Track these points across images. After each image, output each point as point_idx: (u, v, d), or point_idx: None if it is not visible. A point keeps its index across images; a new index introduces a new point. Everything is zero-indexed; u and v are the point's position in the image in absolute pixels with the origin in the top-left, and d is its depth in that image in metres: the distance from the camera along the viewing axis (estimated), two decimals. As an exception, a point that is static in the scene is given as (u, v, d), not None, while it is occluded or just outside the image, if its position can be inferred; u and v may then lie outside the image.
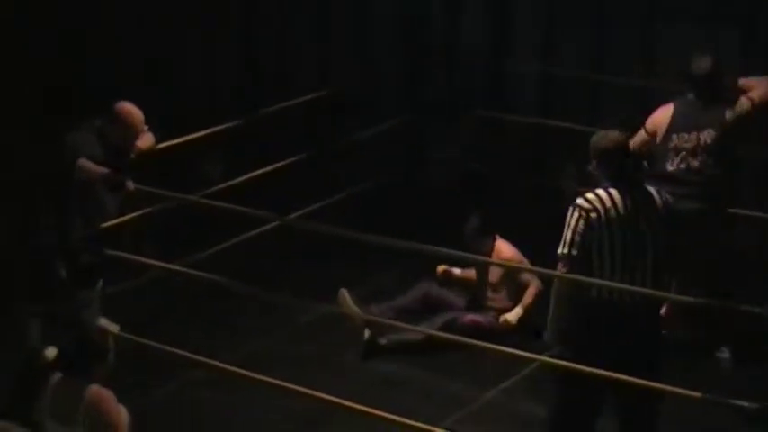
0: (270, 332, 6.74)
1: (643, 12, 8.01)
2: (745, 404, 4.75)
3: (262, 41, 9.39)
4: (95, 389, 4.55)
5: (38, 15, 8.68)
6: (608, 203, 4.82)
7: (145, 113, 6.16)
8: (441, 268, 6.92)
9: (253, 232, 6.92)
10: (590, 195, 4.86)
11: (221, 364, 5.65)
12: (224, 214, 6.03)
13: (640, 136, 6.24)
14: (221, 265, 6.41)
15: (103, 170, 6.01)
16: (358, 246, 6.22)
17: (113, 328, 5.81)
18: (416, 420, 5.41)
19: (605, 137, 4.95)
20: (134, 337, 5.76)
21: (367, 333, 6.46)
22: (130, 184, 6.15)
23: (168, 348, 5.86)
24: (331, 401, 5.49)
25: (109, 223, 6.10)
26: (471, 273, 6.93)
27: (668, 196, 5.02)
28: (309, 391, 5.48)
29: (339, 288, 6.64)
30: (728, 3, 7.66)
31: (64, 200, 6.12)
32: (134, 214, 6.25)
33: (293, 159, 7.38)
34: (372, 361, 6.47)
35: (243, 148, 8.19)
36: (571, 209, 4.86)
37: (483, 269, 6.79)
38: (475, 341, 5.54)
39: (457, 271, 6.98)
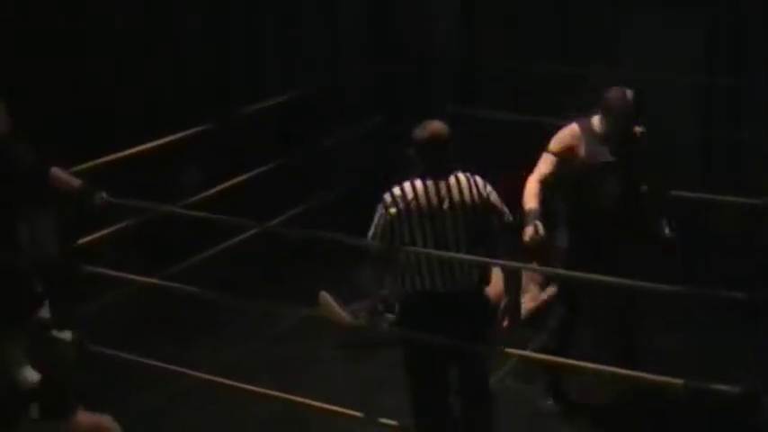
0: (252, 338, 6.74)
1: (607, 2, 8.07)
2: (726, 388, 4.81)
3: (232, 44, 9.37)
4: (90, 417, 4.33)
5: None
6: (410, 196, 4.88)
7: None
8: None
9: (232, 240, 6.92)
10: (395, 190, 4.93)
11: (202, 375, 5.65)
12: (202, 222, 6.02)
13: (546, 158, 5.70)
14: (202, 275, 6.43)
15: (77, 181, 5.98)
16: (338, 249, 6.25)
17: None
18: (401, 421, 5.46)
19: (425, 127, 4.97)
20: (114, 352, 5.76)
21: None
22: (103, 196, 6.12)
23: (148, 361, 5.86)
24: (313, 405, 5.52)
25: (88, 238, 6.10)
26: None
27: (480, 179, 4.99)
28: (291, 397, 5.50)
29: (320, 291, 6.66)
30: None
31: (33, 210, 6.08)
32: (112, 228, 6.24)
33: (266, 167, 7.37)
34: (355, 363, 6.48)
35: (215, 152, 8.18)
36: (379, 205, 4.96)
37: None
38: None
39: None
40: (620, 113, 5.52)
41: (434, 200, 4.87)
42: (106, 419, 4.31)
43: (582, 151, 5.59)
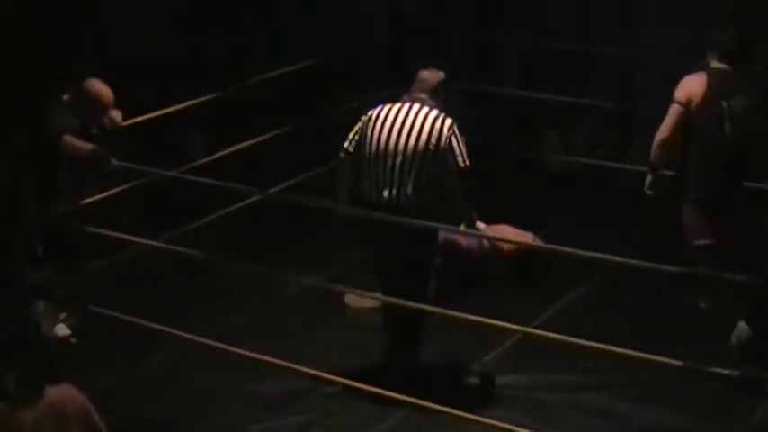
0: (254, 306, 6.73)
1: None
2: (726, 372, 4.80)
3: (247, 14, 9.33)
4: (61, 390, 4.23)
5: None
6: (382, 113, 5.71)
7: (126, 87, 6.16)
8: None
9: (235, 206, 6.90)
10: (378, 106, 5.77)
11: (204, 340, 5.65)
12: (206, 189, 6.02)
13: (674, 108, 5.93)
14: (204, 240, 6.41)
15: (90, 146, 6.03)
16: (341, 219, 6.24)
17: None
18: (399, 393, 5.44)
19: (422, 71, 5.85)
20: (116, 314, 5.77)
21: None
22: (112, 161, 6.15)
23: (151, 324, 5.86)
24: (316, 375, 5.52)
25: (91, 199, 6.11)
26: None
27: (449, 122, 5.62)
28: (295, 366, 5.50)
29: (324, 260, 6.62)
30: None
31: (47, 175, 6.12)
32: (115, 190, 6.24)
33: (275, 133, 7.35)
34: (351, 334, 6.45)
35: (226, 120, 8.16)
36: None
37: None
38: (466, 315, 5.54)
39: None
40: None
41: (398, 123, 5.61)
42: (72, 391, 4.25)
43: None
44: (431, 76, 5.84)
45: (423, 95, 5.77)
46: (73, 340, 6.27)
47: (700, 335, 6.07)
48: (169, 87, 7.76)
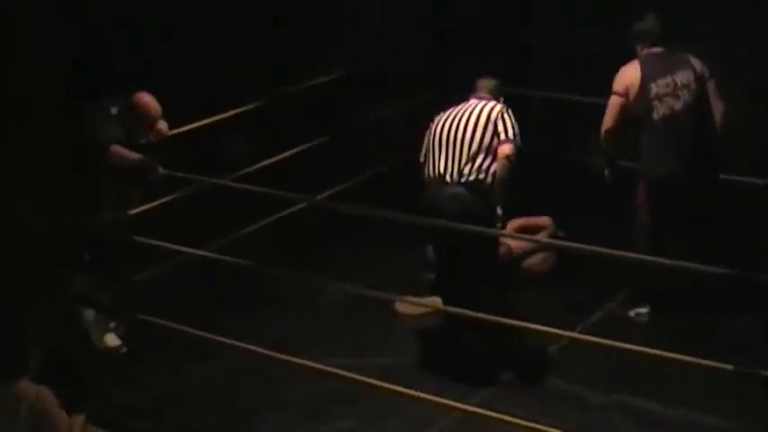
0: (299, 313, 6.75)
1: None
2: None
3: (285, 21, 9.36)
4: (32, 387, 4.41)
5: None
6: (447, 112, 6.16)
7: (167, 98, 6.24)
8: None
9: (280, 214, 6.94)
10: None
11: (250, 346, 5.68)
12: (250, 197, 6.05)
13: (613, 100, 6.37)
14: (249, 248, 6.44)
15: (138, 156, 6.11)
16: (386, 225, 6.25)
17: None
18: (447, 399, 5.45)
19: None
20: (164, 322, 5.81)
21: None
22: (159, 170, 6.22)
23: (197, 332, 5.90)
24: (362, 381, 5.52)
25: (139, 209, 6.18)
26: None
27: (498, 107, 6.04)
28: (340, 372, 5.51)
29: (367, 268, 6.64)
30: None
31: (94, 185, 6.19)
32: (163, 200, 6.30)
33: (317, 141, 7.39)
34: (399, 339, 6.47)
35: (266, 128, 8.19)
36: None
37: None
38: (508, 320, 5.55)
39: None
40: None
41: (459, 115, 6.08)
42: (45, 390, 4.41)
43: None
44: (488, 80, 6.32)
45: (483, 95, 6.24)
46: (123, 350, 6.33)
47: (749, 338, 6.03)
48: (209, 97, 7.84)
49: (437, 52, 8.88)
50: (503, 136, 5.96)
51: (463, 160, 5.94)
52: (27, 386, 4.38)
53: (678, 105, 6.29)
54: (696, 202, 6.38)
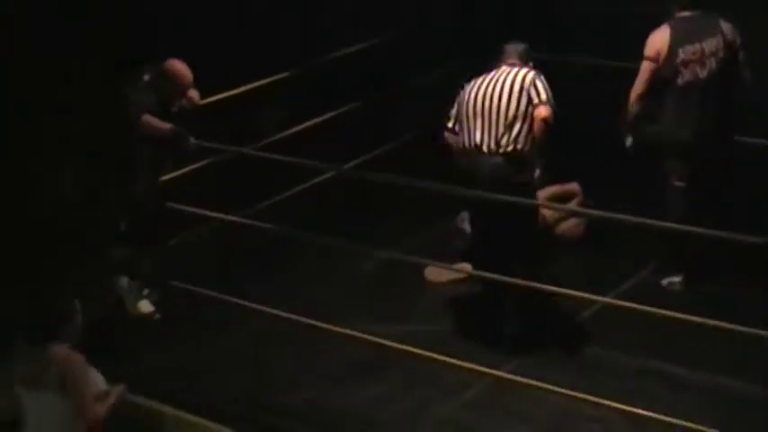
0: (330, 281, 6.76)
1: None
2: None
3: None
4: (63, 351, 4.46)
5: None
6: (479, 78, 6.10)
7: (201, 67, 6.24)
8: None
9: (310, 182, 6.94)
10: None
11: (283, 313, 5.70)
12: (280, 165, 6.06)
13: (645, 65, 6.36)
14: (278, 217, 6.45)
15: (169, 125, 6.12)
16: (417, 194, 6.24)
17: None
18: (479, 366, 5.45)
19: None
20: (195, 288, 5.84)
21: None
22: (191, 139, 6.24)
23: (231, 299, 5.92)
24: (396, 347, 5.53)
25: (170, 176, 6.21)
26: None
27: (532, 74, 5.99)
28: (374, 338, 5.51)
29: (397, 238, 6.66)
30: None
31: (127, 154, 6.22)
32: (193, 166, 6.33)
33: (347, 108, 7.37)
34: (430, 307, 6.47)
35: (300, 97, 8.18)
36: None
37: None
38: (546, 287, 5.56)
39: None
40: None
41: (492, 83, 6.02)
42: (74, 355, 4.47)
43: None
44: (516, 45, 6.25)
45: (513, 61, 6.17)
46: (157, 316, 6.38)
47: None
48: (243, 66, 7.84)
49: (467, 19, 8.82)
50: (536, 100, 5.93)
51: (500, 131, 5.91)
52: (59, 350, 4.43)
53: (703, 73, 6.29)
54: (718, 167, 6.36)
